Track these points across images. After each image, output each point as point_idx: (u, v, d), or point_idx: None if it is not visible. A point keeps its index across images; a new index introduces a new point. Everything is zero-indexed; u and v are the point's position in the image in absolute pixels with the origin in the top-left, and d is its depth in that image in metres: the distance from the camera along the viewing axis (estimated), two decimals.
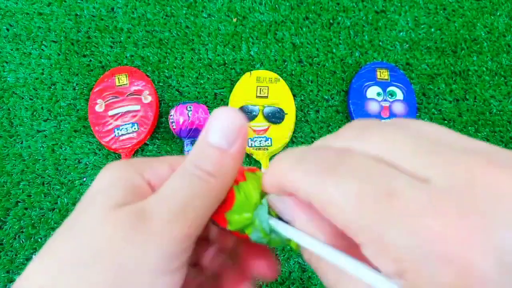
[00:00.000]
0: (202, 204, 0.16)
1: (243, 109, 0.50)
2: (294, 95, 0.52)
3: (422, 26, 0.56)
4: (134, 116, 0.49)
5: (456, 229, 0.11)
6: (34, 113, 0.51)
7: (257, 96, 0.50)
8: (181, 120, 0.47)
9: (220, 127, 0.17)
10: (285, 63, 0.54)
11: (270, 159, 0.48)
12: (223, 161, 0.17)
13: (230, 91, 0.51)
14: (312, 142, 0.21)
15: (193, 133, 0.47)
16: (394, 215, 0.11)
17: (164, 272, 0.15)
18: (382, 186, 0.12)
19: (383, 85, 0.52)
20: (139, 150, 0.50)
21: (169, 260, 0.15)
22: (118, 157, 0.49)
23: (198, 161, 0.17)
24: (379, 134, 0.14)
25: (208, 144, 0.17)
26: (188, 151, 0.48)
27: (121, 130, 0.48)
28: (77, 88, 0.52)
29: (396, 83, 0.52)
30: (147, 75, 0.52)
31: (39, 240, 0.45)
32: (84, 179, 0.48)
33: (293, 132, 0.51)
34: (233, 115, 0.18)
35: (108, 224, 0.15)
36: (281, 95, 0.51)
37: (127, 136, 0.48)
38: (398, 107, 0.51)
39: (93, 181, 0.17)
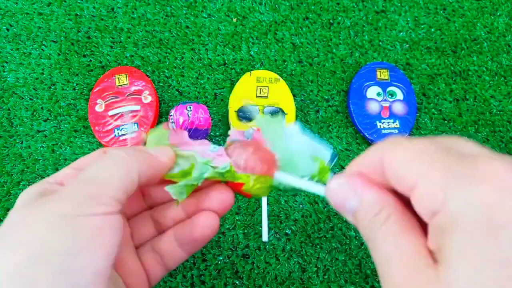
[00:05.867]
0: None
1: (243, 109, 0.50)
2: (294, 95, 0.52)
3: (422, 26, 0.56)
4: (134, 116, 0.49)
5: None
6: (34, 113, 0.51)
7: (257, 96, 0.50)
8: (181, 120, 0.47)
9: None
10: (285, 63, 0.54)
11: None
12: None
13: (230, 91, 0.51)
14: None
15: (193, 133, 0.47)
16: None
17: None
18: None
19: (383, 85, 0.52)
20: None
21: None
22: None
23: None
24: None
25: None
26: None
27: (121, 130, 0.48)
28: (77, 88, 0.52)
29: (396, 83, 0.52)
30: (147, 75, 0.52)
31: None
32: None
33: None
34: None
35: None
36: (281, 95, 0.51)
37: (127, 136, 0.48)
38: (398, 107, 0.51)
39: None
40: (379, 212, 0.17)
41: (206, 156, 0.24)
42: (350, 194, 0.18)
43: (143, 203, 0.27)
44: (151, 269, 0.25)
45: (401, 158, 0.16)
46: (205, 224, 0.24)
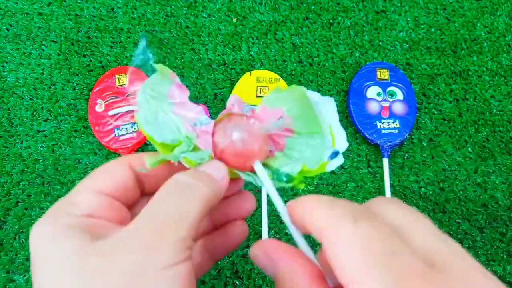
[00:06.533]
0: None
1: None
2: None
3: (422, 26, 0.56)
4: (134, 116, 0.49)
5: None
6: (34, 113, 0.51)
7: (257, 96, 0.50)
8: None
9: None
10: (285, 63, 0.54)
11: None
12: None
13: (230, 91, 0.51)
14: None
15: None
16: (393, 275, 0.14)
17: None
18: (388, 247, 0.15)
19: (383, 85, 0.52)
20: (139, 150, 0.50)
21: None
22: (119, 157, 0.49)
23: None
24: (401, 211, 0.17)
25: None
26: None
27: (121, 130, 0.48)
28: (77, 88, 0.52)
29: (396, 83, 0.52)
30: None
31: None
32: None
33: None
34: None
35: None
36: None
37: (127, 136, 0.48)
38: (398, 107, 0.51)
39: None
40: None
41: (192, 131, 0.22)
42: (266, 263, 0.19)
43: None
44: None
45: (343, 245, 0.15)
46: (239, 233, 0.24)
